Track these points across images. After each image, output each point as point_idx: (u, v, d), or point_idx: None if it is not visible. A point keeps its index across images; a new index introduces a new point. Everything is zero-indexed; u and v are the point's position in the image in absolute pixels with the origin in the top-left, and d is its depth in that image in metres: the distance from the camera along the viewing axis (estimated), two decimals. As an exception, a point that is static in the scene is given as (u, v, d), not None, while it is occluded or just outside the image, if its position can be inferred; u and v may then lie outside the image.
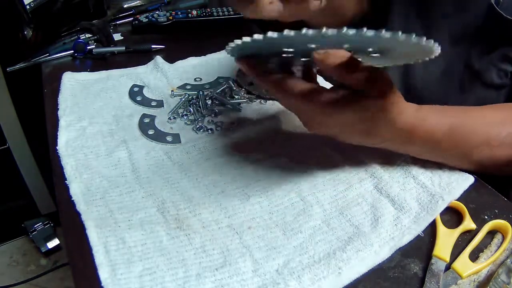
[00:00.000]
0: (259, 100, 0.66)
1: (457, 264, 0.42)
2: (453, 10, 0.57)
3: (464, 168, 0.52)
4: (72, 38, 0.81)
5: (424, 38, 0.33)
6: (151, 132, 0.58)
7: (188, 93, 0.66)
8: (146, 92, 0.67)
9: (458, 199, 0.49)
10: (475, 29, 0.56)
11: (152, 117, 0.61)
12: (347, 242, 0.44)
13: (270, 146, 0.56)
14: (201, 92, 0.65)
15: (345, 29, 0.33)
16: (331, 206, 0.48)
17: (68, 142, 0.56)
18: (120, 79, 0.70)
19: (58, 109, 0.62)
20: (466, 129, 0.49)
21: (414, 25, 0.60)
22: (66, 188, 0.49)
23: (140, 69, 0.73)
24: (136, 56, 0.78)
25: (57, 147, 0.55)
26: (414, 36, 0.33)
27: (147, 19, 0.87)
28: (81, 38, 0.81)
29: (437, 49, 0.36)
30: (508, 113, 0.52)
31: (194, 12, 0.89)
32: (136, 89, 0.67)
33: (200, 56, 0.78)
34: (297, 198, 0.49)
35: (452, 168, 0.52)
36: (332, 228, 0.46)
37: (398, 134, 0.48)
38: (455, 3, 0.57)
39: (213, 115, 0.62)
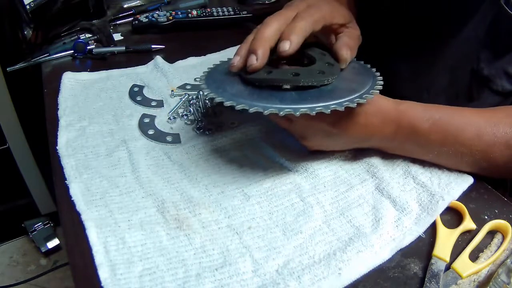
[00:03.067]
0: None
1: (457, 264, 0.42)
2: (461, 14, 0.55)
3: (463, 170, 0.52)
4: (72, 38, 0.81)
5: None
6: (151, 132, 0.58)
7: (188, 93, 0.66)
8: (146, 92, 0.67)
9: (458, 199, 0.49)
10: (484, 32, 0.54)
11: (152, 117, 0.61)
12: (348, 243, 0.44)
13: (270, 146, 0.56)
14: (201, 92, 0.65)
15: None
16: (332, 207, 0.48)
17: (68, 142, 0.56)
18: (120, 79, 0.70)
19: (58, 109, 0.62)
20: (455, 124, 0.49)
21: (415, 47, 0.60)
22: (66, 188, 0.49)
23: (140, 69, 0.73)
24: (136, 56, 0.78)
25: (57, 147, 0.55)
26: None
27: (147, 19, 0.87)
28: (81, 38, 0.81)
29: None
30: (505, 113, 0.50)
31: (194, 12, 0.89)
32: (136, 89, 0.67)
33: (200, 56, 0.78)
34: (297, 199, 0.49)
35: (450, 169, 0.52)
36: (332, 229, 0.46)
37: (386, 129, 0.49)
38: (463, 7, 0.55)
39: (213, 115, 0.62)
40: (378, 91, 0.46)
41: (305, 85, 0.45)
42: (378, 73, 0.50)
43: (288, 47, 0.45)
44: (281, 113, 0.42)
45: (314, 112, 0.42)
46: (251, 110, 0.43)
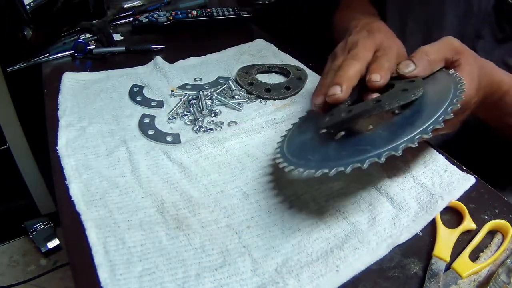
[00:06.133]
0: (258, 100, 0.66)
1: (457, 264, 0.42)
2: (460, 1, 0.54)
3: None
4: (72, 38, 0.81)
5: None
6: (151, 132, 0.58)
7: (188, 93, 0.66)
8: (146, 92, 0.67)
9: (458, 199, 0.49)
10: (481, 21, 0.52)
11: (152, 117, 0.61)
12: (344, 239, 0.44)
13: (269, 145, 0.56)
14: (201, 92, 0.65)
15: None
16: (328, 204, 0.48)
17: (68, 142, 0.56)
18: (120, 79, 0.70)
19: (58, 109, 0.62)
20: None
21: (412, 27, 0.59)
22: (66, 188, 0.49)
23: (140, 69, 0.74)
24: (136, 56, 0.78)
25: (57, 147, 0.55)
26: None
27: (147, 19, 0.87)
28: (81, 38, 0.81)
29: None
30: None
31: (194, 12, 0.89)
32: (136, 89, 0.67)
33: (200, 56, 0.78)
34: (294, 196, 0.49)
35: (453, 168, 0.52)
36: (329, 225, 0.46)
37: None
38: None
39: (213, 115, 0.62)
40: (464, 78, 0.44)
41: (389, 108, 0.42)
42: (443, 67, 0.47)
43: (379, 78, 0.44)
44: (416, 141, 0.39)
45: (430, 133, 0.39)
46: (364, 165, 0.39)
